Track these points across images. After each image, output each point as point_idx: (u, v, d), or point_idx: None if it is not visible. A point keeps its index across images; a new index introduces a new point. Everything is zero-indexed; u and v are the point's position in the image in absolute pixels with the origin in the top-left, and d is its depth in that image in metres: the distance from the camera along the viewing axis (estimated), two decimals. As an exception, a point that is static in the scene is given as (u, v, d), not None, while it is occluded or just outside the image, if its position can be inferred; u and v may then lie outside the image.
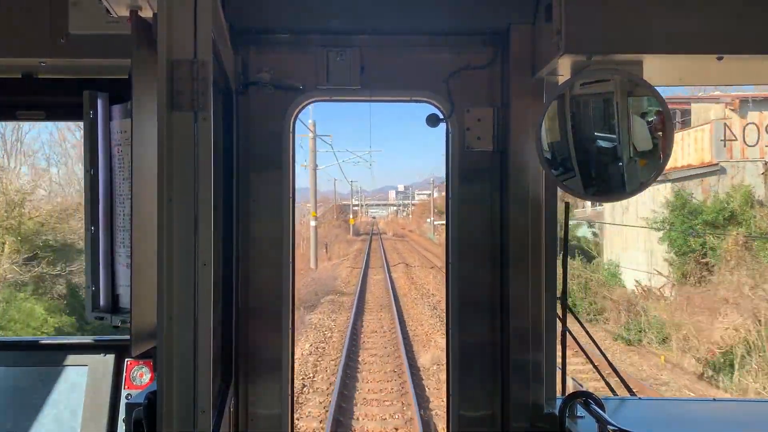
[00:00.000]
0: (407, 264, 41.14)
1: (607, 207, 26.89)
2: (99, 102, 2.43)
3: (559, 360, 2.96)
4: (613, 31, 2.49)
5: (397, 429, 10.48)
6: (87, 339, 3.40)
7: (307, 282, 28.20)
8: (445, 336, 3.27)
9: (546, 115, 2.64)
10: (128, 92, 1.92)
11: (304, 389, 12.53)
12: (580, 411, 2.68)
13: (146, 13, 1.99)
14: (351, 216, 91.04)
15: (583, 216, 33.66)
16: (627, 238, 24.86)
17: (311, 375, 13.59)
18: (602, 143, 2.62)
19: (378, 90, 3.06)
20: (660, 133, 2.58)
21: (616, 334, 18.24)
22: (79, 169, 17.28)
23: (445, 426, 3.21)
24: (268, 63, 2.98)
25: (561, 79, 2.76)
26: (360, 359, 15.01)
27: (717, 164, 20.45)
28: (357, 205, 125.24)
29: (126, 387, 3.18)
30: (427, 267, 35.93)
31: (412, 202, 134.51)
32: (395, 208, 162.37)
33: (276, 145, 3.03)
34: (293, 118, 3.07)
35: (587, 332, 3.17)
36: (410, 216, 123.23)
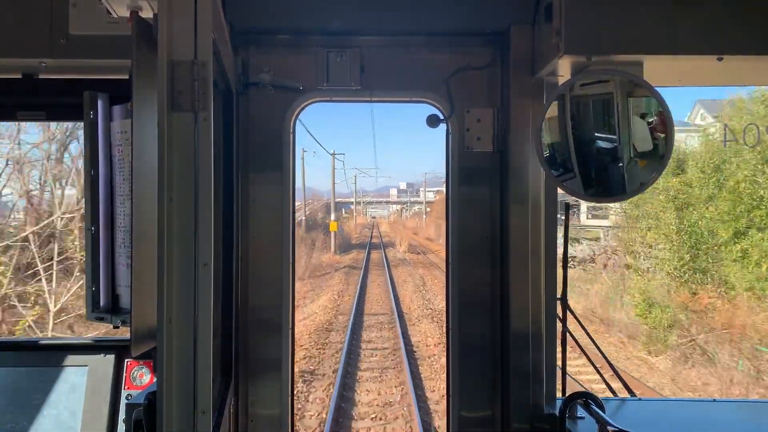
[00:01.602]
0: None
1: None
2: (99, 102, 2.43)
3: (559, 360, 2.97)
4: (613, 31, 2.49)
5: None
6: (87, 339, 3.40)
7: None
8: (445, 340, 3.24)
9: (546, 116, 2.64)
10: (129, 93, 1.91)
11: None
12: (581, 412, 2.68)
13: (146, 14, 1.99)
14: (331, 218, 49.90)
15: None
16: None
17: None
18: (602, 144, 2.62)
19: (378, 90, 3.06)
20: (660, 133, 2.58)
21: None
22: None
23: (445, 426, 3.20)
24: (269, 63, 2.98)
25: (561, 80, 2.76)
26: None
27: None
28: (349, 202, 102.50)
29: (126, 387, 3.18)
30: None
31: (426, 200, 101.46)
32: (398, 207, 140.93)
33: (276, 146, 3.03)
34: (293, 118, 3.07)
35: (587, 332, 3.17)
36: (425, 216, 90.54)
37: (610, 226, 35.83)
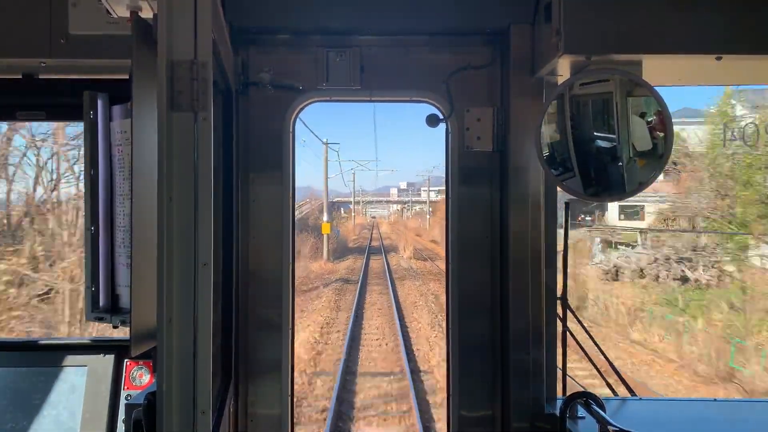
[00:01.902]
0: None
1: None
2: (99, 102, 2.43)
3: (559, 360, 2.97)
4: (613, 31, 2.49)
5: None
6: (86, 339, 3.39)
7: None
8: (444, 336, 3.27)
9: (545, 115, 2.64)
10: (128, 92, 1.91)
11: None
12: (581, 411, 2.68)
13: (146, 14, 1.99)
14: (324, 218, 40.71)
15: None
16: None
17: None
18: (602, 143, 2.63)
19: (378, 90, 3.06)
20: (659, 132, 2.58)
21: None
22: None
23: (445, 426, 3.20)
24: (268, 63, 2.98)
25: (560, 79, 2.76)
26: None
27: None
28: (348, 202, 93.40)
29: (126, 387, 3.17)
30: None
31: (430, 200, 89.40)
32: (399, 207, 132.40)
33: (276, 146, 3.04)
34: (293, 118, 3.07)
35: (587, 332, 3.17)
36: (428, 216, 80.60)
37: (651, 228, 31.21)
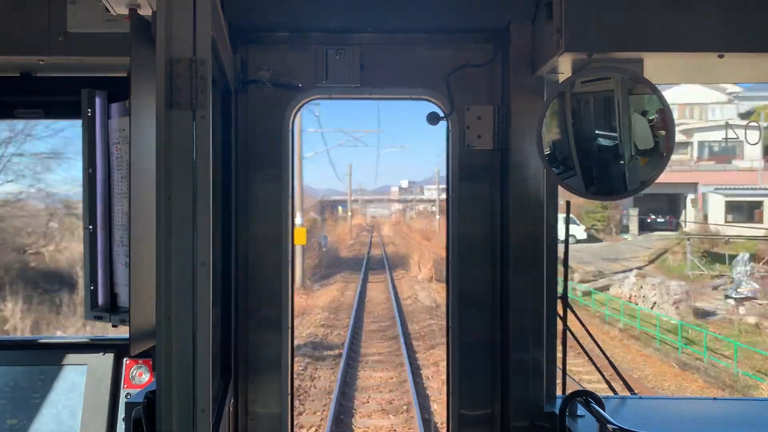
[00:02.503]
0: None
1: None
2: (97, 100, 2.42)
3: (559, 359, 2.96)
4: (614, 29, 2.48)
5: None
6: (86, 338, 3.39)
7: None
8: (444, 334, 3.27)
9: (546, 114, 2.63)
10: (127, 90, 1.91)
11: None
12: (581, 410, 2.68)
13: (145, 12, 1.99)
14: (297, 221, 20.94)
15: None
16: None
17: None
18: (603, 141, 2.61)
19: (377, 88, 3.06)
20: (661, 131, 2.57)
21: None
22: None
23: (445, 425, 3.20)
24: (267, 61, 2.97)
25: (561, 77, 2.75)
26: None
27: None
28: (344, 201, 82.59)
29: (125, 386, 3.17)
30: None
31: (439, 198, 69.46)
32: (401, 206, 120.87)
33: (275, 144, 3.03)
34: (292, 116, 3.07)
35: (587, 331, 3.17)
36: (438, 217, 65.72)
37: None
